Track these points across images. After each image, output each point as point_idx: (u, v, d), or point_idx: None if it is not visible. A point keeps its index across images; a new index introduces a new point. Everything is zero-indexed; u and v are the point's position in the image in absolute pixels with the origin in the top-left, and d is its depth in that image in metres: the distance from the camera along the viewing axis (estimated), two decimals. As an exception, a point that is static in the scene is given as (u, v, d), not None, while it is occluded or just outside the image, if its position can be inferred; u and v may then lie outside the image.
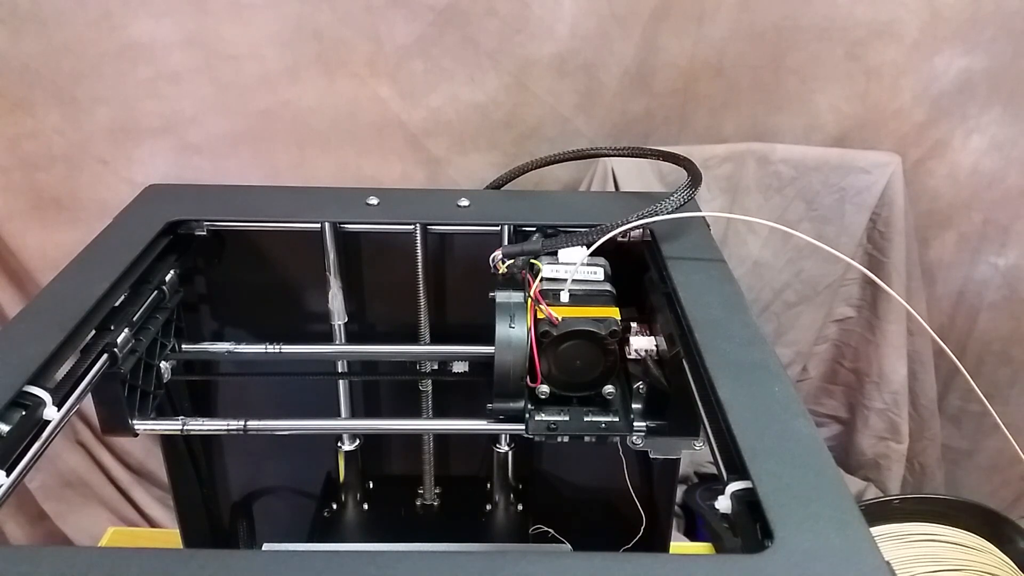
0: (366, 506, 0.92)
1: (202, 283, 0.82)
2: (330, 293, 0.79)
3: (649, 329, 0.70)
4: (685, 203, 0.69)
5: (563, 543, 0.91)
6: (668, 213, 0.68)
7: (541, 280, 0.68)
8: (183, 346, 0.76)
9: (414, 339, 0.82)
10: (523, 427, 0.67)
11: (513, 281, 0.70)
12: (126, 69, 0.96)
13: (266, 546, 0.84)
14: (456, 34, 0.96)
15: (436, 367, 0.82)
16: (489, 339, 0.65)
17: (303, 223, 0.76)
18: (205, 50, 0.95)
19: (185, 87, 0.97)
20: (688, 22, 0.97)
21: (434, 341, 0.83)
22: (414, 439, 0.92)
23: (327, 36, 0.95)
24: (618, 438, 0.68)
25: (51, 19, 0.93)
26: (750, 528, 0.45)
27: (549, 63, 0.98)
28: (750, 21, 0.97)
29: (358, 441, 0.90)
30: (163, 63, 0.96)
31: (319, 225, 0.76)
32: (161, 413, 0.76)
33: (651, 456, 0.70)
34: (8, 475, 0.50)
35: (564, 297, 0.67)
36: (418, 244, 0.77)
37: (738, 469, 0.47)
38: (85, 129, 0.99)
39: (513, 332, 0.65)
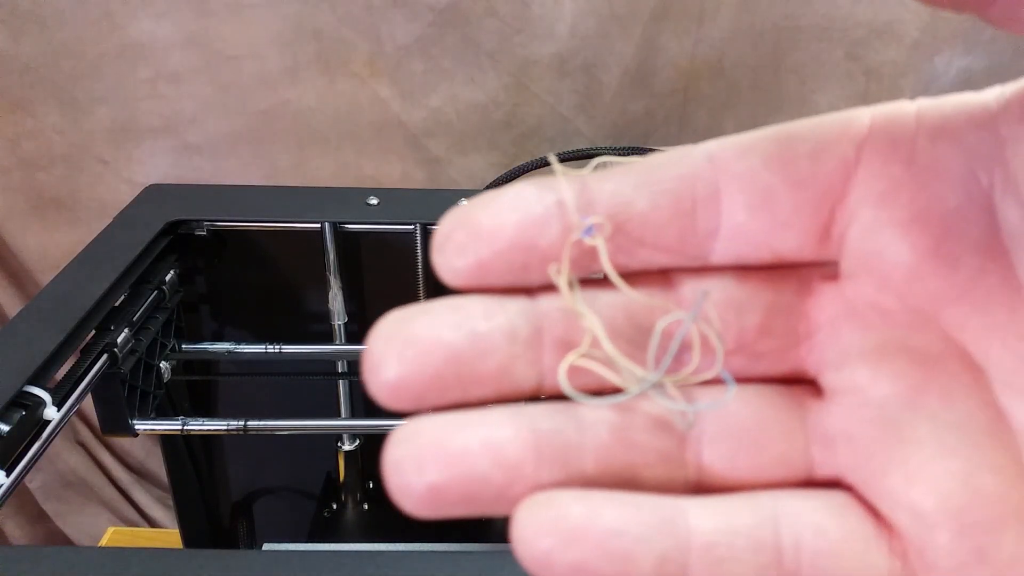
0: (366, 506, 0.92)
1: (202, 283, 0.81)
2: (330, 293, 0.79)
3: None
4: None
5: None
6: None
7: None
8: (183, 346, 0.76)
9: (414, 339, 0.82)
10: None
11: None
12: (126, 69, 0.95)
13: (266, 546, 0.84)
14: (456, 34, 0.96)
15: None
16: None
17: (303, 223, 0.76)
18: (205, 50, 0.95)
19: (185, 87, 0.97)
20: (688, 22, 0.97)
21: (434, 341, 0.83)
22: (414, 439, 0.91)
23: (327, 36, 0.95)
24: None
25: (51, 19, 0.92)
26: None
27: (549, 63, 0.98)
28: (750, 21, 0.97)
29: (358, 441, 0.90)
30: (163, 63, 0.95)
31: (319, 225, 0.76)
32: (161, 413, 0.76)
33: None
34: (8, 475, 0.50)
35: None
36: (418, 244, 0.77)
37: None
38: (85, 129, 0.99)
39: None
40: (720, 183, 0.20)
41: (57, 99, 0.97)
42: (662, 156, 0.20)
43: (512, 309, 0.19)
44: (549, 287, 0.19)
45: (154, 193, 0.79)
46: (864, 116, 0.19)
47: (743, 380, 0.20)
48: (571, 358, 0.19)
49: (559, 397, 0.19)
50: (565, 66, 0.98)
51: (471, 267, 0.19)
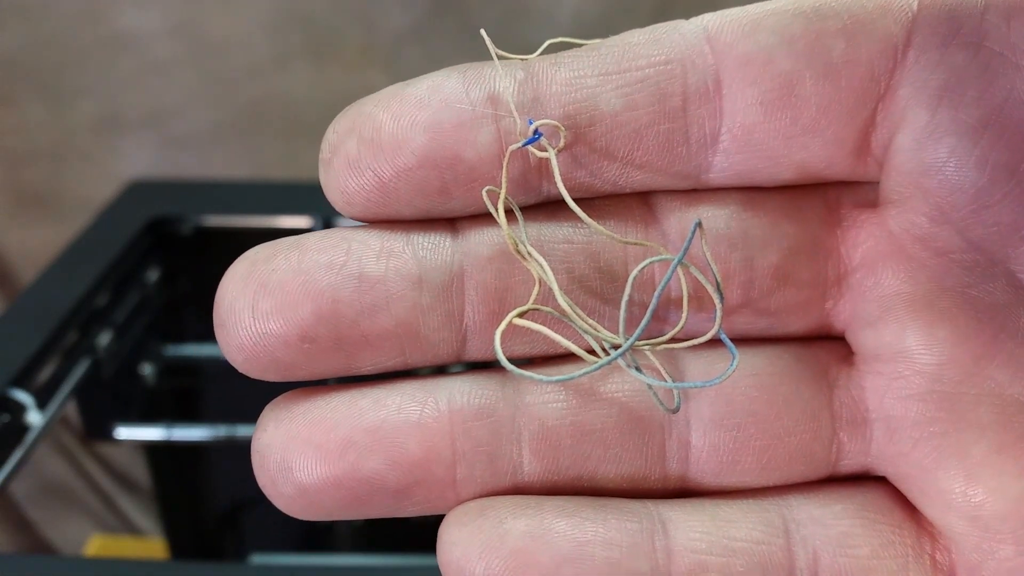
0: (361, 514, 0.89)
1: (188, 283, 0.79)
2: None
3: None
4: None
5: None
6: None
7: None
8: (169, 348, 0.74)
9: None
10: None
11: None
12: (111, 61, 0.93)
13: (255, 557, 0.82)
14: (453, 21, 0.93)
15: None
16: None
17: (294, 219, 0.74)
18: (191, 39, 0.92)
19: (171, 78, 0.94)
20: (697, 9, 0.94)
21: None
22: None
23: (318, 23, 0.92)
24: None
25: (35, 11, 0.90)
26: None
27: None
28: (759, 9, 0.95)
29: (352, 446, 0.87)
30: (149, 54, 0.93)
31: (311, 221, 0.74)
32: (146, 418, 0.73)
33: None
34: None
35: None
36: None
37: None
38: (69, 123, 0.96)
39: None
40: (721, 71, 0.15)
41: (41, 93, 0.94)
42: (639, 34, 0.15)
43: (421, 245, 0.14)
44: (479, 218, 0.14)
45: (137, 189, 0.78)
46: None
47: (751, 343, 0.15)
48: (511, 315, 0.14)
49: (488, 366, 0.14)
50: (567, 56, 0.96)
51: (368, 190, 0.14)
